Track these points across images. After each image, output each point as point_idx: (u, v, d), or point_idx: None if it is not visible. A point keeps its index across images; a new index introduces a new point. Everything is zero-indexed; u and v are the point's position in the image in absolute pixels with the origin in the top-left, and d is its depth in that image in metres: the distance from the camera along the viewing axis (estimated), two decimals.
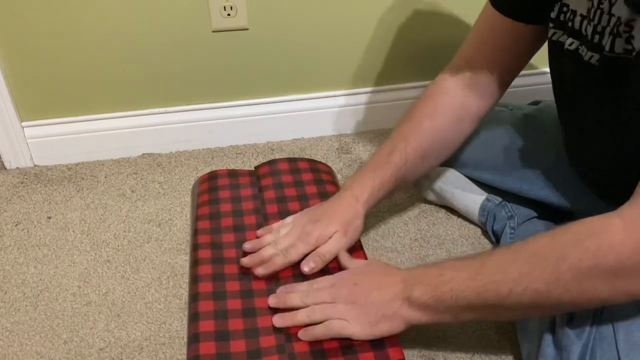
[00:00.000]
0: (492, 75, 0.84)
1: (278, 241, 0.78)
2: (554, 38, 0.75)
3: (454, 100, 0.86)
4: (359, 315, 0.67)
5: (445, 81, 0.87)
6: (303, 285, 0.72)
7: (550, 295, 0.58)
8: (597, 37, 0.66)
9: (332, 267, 0.77)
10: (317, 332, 0.67)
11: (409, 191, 1.12)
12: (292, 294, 0.71)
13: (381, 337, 0.67)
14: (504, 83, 0.86)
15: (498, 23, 0.81)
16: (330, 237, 0.78)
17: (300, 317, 0.68)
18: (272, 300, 0.71)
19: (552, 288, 0.57)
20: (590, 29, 0.67)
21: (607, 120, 0.69)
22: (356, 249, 0.81)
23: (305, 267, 0.75)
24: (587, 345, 0.64)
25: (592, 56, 0.68)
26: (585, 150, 0.79)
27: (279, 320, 0.69)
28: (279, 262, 0.76)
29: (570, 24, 0.71)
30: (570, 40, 0.72)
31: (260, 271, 0.75)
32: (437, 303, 0.64)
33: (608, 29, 0.64)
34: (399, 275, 0.69)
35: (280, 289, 0.73)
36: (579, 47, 0.70)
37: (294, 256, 0.76)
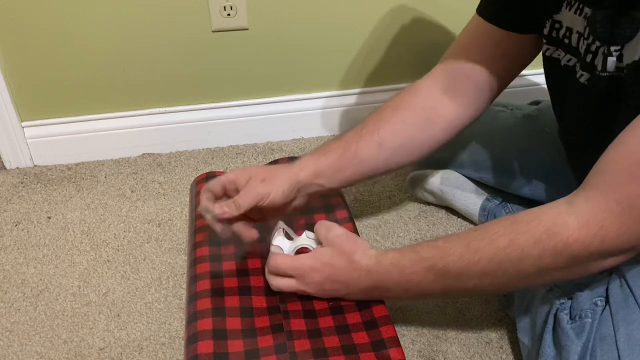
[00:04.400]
0: (474, 85, 0.81)
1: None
2: (548, 54, 0.75)
3: (423, 101, 0.82)
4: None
5: (419, 84, 0.83)
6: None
7: (512, 285, 0.66)
8: (589, 56, 0.65)
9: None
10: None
11: (409, 191, 1.12)
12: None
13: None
14: (488, 94, 0.82)
15: (483, 31, 0.79)
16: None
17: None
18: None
19: (515, 281, 0.63)
20: (584, 47, 0.66)
21: (604, 136, 0.67)
22: (345, 221, 0.84)
23: (219, 210, 0.72)
24: (587, 345, 0.64)
25: (583, 75, 0.67)
26: (584, 164, 0.78)
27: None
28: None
29: (567, 40, 0.70)
30: (567, 57, 0.71)
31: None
32: (404, 293, 0.69)
33: (601, 49, 0.63)
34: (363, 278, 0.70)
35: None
36: (576, 64, 0.69)
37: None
